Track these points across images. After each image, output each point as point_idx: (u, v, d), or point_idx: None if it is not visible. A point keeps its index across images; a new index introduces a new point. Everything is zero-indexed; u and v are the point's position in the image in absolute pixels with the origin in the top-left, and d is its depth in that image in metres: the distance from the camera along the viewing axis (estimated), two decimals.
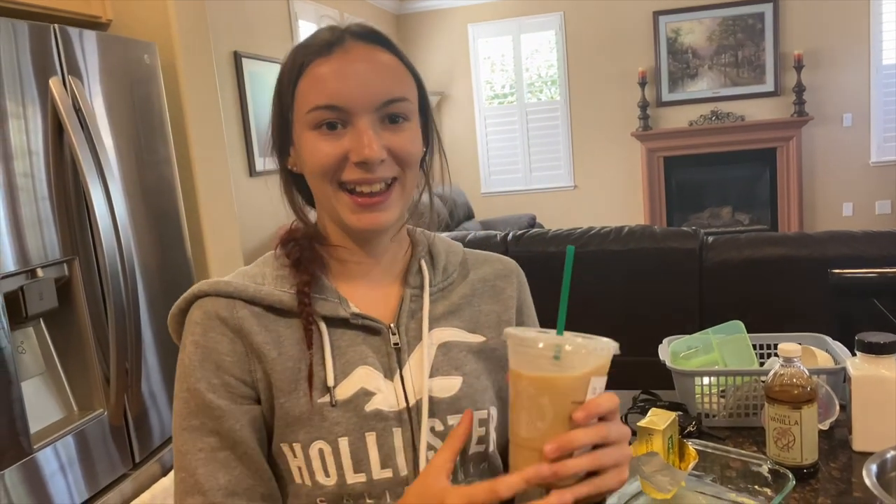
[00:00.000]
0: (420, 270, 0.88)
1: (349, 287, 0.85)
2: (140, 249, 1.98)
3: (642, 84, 6.43)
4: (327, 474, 0.77)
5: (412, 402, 0.80)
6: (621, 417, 1.03)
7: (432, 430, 0.80)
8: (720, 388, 1.33)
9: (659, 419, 1.09)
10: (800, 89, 6.11)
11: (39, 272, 1.66)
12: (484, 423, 0.82)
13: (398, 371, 0.82)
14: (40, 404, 1.70)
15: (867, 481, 0.85)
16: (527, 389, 0.65)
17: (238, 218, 2.60)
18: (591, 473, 0.65)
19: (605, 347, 0.65)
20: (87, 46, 1.88)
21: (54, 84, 1.72)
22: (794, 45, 6.17)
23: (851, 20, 6.09)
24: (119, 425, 1.87)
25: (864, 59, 6.12)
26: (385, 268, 0.87)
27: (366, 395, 0.79)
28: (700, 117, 6.48)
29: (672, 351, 1.43)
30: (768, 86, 6.33)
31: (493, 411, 0.84)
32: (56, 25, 1.78)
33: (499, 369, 0.87)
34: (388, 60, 0.80)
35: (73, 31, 1.83)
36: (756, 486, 1.06)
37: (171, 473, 1.94)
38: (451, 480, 0.72)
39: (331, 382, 0.78)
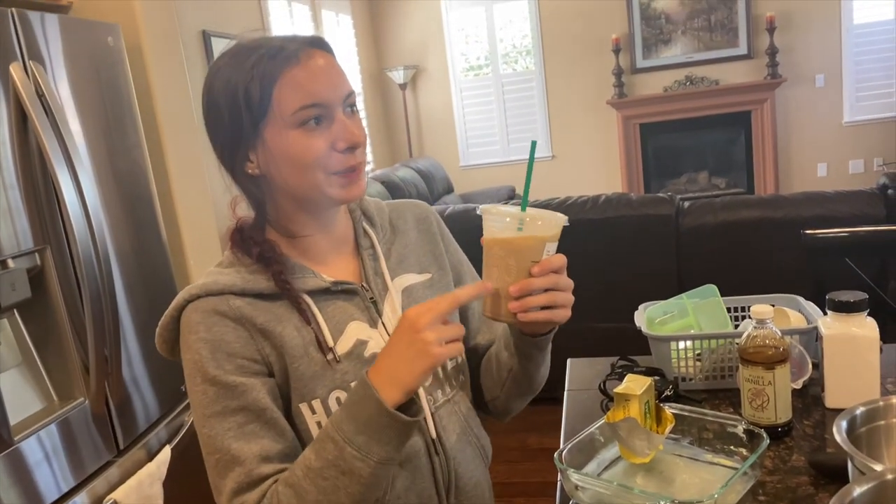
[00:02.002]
0: (366, 233, 1.03)
1: (315, 263, 0.97)
2: (114, 235, 1.96)
3: (616, 51, 6.41)
4: (339, 403, 0.90)
5: None
6: (600, 384, 1.36)
7: None
8: (696, 352, 1.35)
9: (635, 385, 1.11)
10: (772, 51, 6.13)
11: (10, 263, 1.64)
12: None
13: (379, 319, 0.98)
14: (19, 396, 1.69)
15: (837, 437, 0.87)
16: (497, 252, 0.86)
17: (212, 200, 2.57)
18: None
19: (557, 219, 0.87)
20: (49, 30, 1.84)
21: (14, 70, 1.69)
22: (766, 7, 6.17)
23: None
24: (101, 413, 1.86)
25: (835, 18, 6.13)
26: (337, 239, 1.01)
27: (361, 344, 0.95)
28: (674, 83, 6.48)
29: (648, 317, 1.45)
30: (741, 49, 6.33)
31: None
32: (14, 9, 1.73)
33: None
34: (337, 63, 0.93)
35: (34, 15, 1.79)
36: (732, 447, 1.08)
37: (157, 458, 1.94)
38: (438, 394, 0.98)
39: (331, 343, 0.92)
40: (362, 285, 0.99)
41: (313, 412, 0.92)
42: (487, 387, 1.10)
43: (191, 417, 2.23)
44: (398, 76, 6.80)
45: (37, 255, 1.73)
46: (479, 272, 0.94)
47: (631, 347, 1.56)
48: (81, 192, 1.76)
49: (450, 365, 1.01)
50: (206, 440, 0.88)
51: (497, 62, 6.98)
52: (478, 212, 0.88)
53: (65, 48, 1.89)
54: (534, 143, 0.91)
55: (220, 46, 4.38)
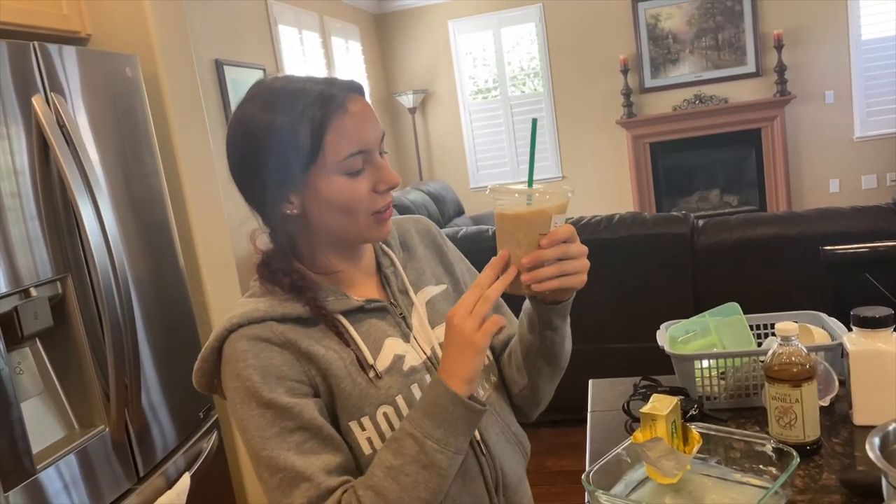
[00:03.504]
0: (385, 253, 1.08)
1: (344, 287, 1.01)
2: (132, 263, 1.97)
3: (624, 71, 6.44)
4: (393, 428, 0.94)
5: (428, 352, 1.01)
6: (623, 404, 1.39)
7: None
8: (720, 371, 1.34)
9: (661, 404, 1.10)
10: (781, 69, 6.14)
11: (33, 291, 1.65)
12: None
13: (410, 333, 1.02)
14: (41, 424, 1.69)
15: (870, 454, 0.86)
16: (507, 228, 0.90)
17: (229, 227, 2.59)
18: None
19: (562, 192, 0.90)
20: (68, 62, 1.87)
21: (37, 102, 1.71)
22: (774, 25, 6.20)
23: None
24: (121, 440, 1.86)
25: (843, 35, 6.15)
26: (363, 265, 1.05)
27: (399, 359, 0.98)
28: (683, 102, 6.50)
29: (670, 336, 1.44)
30: (750, 67, 6.35)
31: None
32: (36, 43, 1.77)
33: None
34: (370, 106, 0.97)
35: (53, 48, 1.82)
36: (761, 466, 1.06)
37: (177, 486, 1.94)
38: (477, 394, 0.97)
39: (371, 361, 0.95)
40: (391, 302, 1.03)
41: (363, 429, 0.94)
42: (513, 378, 1.11)
43: (209, 444, 2.24)
44: (407, 100, 6.85)
45: (58, 283, 1.74)
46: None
47: (649, 368, 1.55)
48: (102, 221, 1.78)
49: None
50: (266, 462, 0.89)
51: (505, 85, 7.03)
52: (487, 192, 0.93)
53: (84, 79, 1.92)
54: (534, 121, 0.97)
55: (232, 75, 4.45)
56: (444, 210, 6.10)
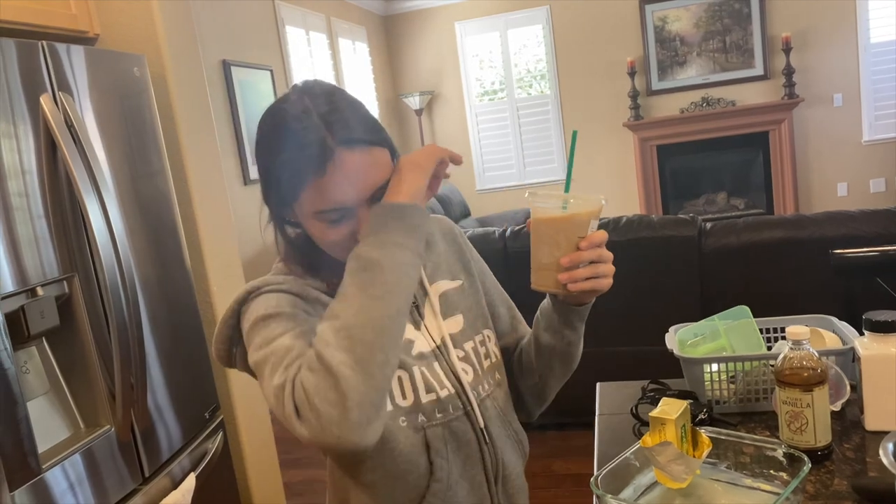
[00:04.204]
0: None
1: None
2: (139, 263, 1.97)
3: (632, 74, 6.43)
4: (404, 397, 0.96)
5: (437, 341, 1.03)
6: (632, 408, 1.38)
7: (459, 357, 1.03)
8: (729, 374, 1.33)
9: (670, 408, 1.09)
10: (789, 71, 6.12)
11: (40, 291, 1.65)
12: (484, 342, 1.08)
13: (421, 321, 1.04)
14: (47, 424, 1.69)
15: (884, 460, 0.85)
16: (546, 230, 0.95)
17: (236, 227, 2.59)
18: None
19: (596, 198, 0.95)
20: (76, 62, 1.87)
21: (45, 101, 1.71)
22: (782, 28, 6.18)
23: (838, 0, 6.10)
24: (127, 441, 1.86)
25: (852, 38, 6.13)
26: None
27: (409, 343, 1.01)
28: (691, 104, 6.49)
29: (679, 339, 1.43)
30: (757, 70, 6.34)
31: (489, 332, 1.10)
32: (44, 42, 1.77)
33: (478, 299, 1.12)
34: (372, 158, 0.92)
35: (62, 47, 1.82)
36: (771, 471, 1.05)
37: (182, 486, 1.93)
38: (480, 390, 1.03)
39: None
40: None
41: None
42: (524, 374, 1.14)
43: (214, 445, 2.23)
44: (414, 102, 6.85)
45: (65, 282, 1.74)
46: (500, 280, 1.10)
47: (655, 371, 1.54)
48: (108, 221, 1.77)
49: (485, 363, 1.06)
50: (263, 359, 0.88)
51: (512, 87, 7.02)
52: (526, 196, 0.98)
53: (92, 79, 1.92)
54: (575, 133, 1.05)
55: (239, 76, 4.47)
56: (451, 212, 6.09)
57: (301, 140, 0.89)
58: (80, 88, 1.87)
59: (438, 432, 0.97)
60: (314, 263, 0.98)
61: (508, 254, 3.19)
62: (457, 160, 0.96)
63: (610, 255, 0.96)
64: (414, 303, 1.04)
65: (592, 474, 1.04)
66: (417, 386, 0.97)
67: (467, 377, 1.02)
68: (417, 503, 0.96)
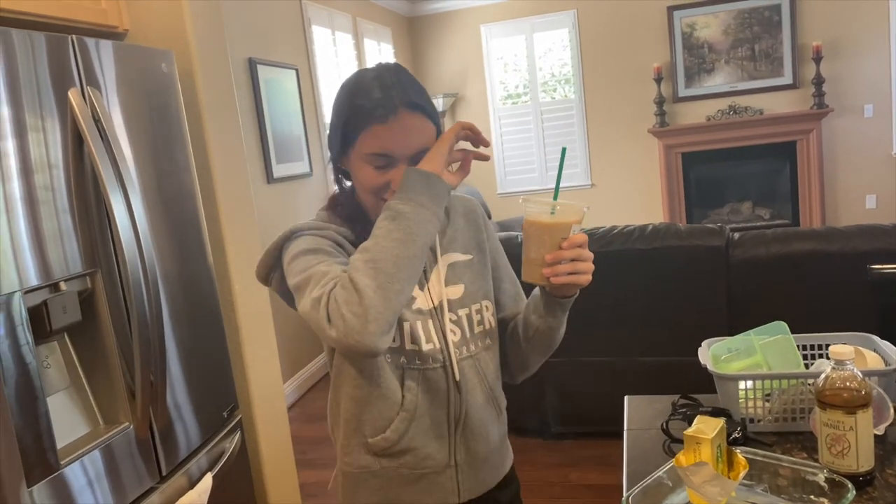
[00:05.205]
0: None
1: None
2: (161, 260, 1.96)
3: (658, 80, 6.37)
4: (393, 340, 1.14)
5: (436, 303, 1.21)
6: (662, 424, 1.39)
7: (451, 320, 1.21)
8: (765, 392, 1.29)
9: (707, 427, 1.05)
10: (819, 81, 6.03)
11: (62, 285, 1.64)
12: (480, 311, 1.24)
13: (426, 283, 1.22)
14: (66, 419, 1.68)
15: None
16: (535, 231, 1.11)
17: (258, 225, 2.57)
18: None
19: (579, 207, 1.11)
20: (104, 56, 1.86)
21: (73, 95, 1.70)
22: (813, 37, 6.09)
23: (871, 9, 6.00)
24: (145, 438, 1.85)
25: (885, 48, 6.02)
26: None
27: (412, 299, 1.18)
28: (717, 112, 6.41)
29: (712, 354, 1.38)
30: (786, 78, 6.25)
31: (487, 303, 1.26)
32: (74, 36, 1.76)
33: (484, 274, 1.28)
34: (422, 124, 1.15)
35: (90, 42, 1.81)
36: (811, 496, 1.01)
37: (199, 485, 1.91)
38: (464, 350, 1.22)
39: None
40: None
41: None
42: (513, 344, 1.30)
43: (232, 444, 2.22)
44: (438, 104, 6.83)
45: (87, 278, 1.73)
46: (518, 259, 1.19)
47: (679, 384, 1.50)
48: (133, 217, 1.76)
49: (477, 329, 1.23)
50: (300, 284, 1.09)
51: (536, 90, 6.98)
52: (520, 201, 1.14)
53: (119, 74, 1.91)
54: (563, 149, 1.18)
55: (265, 74, 4.46)
56: None
57: (374, 93, 1.12)
58: (108, 83, 1.86)
59: (414, 374, 1.17)
60: (352, 215, 1.20)
61: None
62: (476, 134, 1.14)
63: (590, 255, 1.12)
64: (423, 268, 1.17)
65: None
66: (405, 335, 1.17)
67: (454, 337, 1.20)
68: (390, 421, 1.17)
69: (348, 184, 1.24)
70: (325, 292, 1.03)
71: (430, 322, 1.20)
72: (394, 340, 1.15)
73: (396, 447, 1.19)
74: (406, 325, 1.17)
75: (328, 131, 1.23)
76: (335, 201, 1.24)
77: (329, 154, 1.24)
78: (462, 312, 1.22)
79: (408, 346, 1.18)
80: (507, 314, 1.33)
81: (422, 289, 1.21)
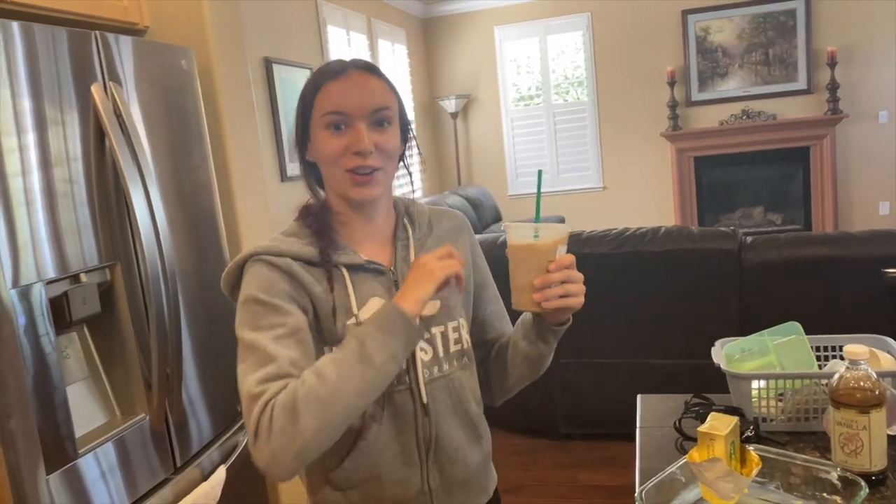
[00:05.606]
0: (405, 228, 1.21)
1: (357, 244, 1.16)
2: (178, 255, 1.98)
3: (671, 83, 6.36)
4: None
5: None
6: (675, 422, 1.38)
7: (422, 338, 1.13)
8: (778, 392, 1.29)
9: (720, 424, 1.06)
10: (833, 86, 6.01)
11: (83, 277, 1.66)
12: (456, 329, 1.17)
13: None
14: (84, 409, 1.70)
15: None
16: (520, 255, 1.07)
17: (274, 221, 2.59)
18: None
19: (562, 227, 1.08)
20: (125, 52, 1.88)
21: (96, 90, 1.73)
22: (828, 42, 6.06)
23: (887, 15, 5.98)
24: (160, 430, 1.87)
25: None
26: (379, 228, 1.19)
27: None
28: (731, 116, 6.39)
29: (726, 353, 1.39)
30: (800, 83, 6.23)
31: (463, 321, 1.19)
32: (97, 32, 1.78)
33: (465, 292, 1.21)
34: (377, 83, 1.12)
35: (112, 37, 1.84)
36: (824, 494, 1.02)
37: (213, 478, 1.93)
38: (435, 370, 1.14)
39: (355, 310, 1.10)
40: (391, 269, 1.16)
41: None
42: (496, 367, 1.27)
43: (245, 438, 2.23)
44: (450, 105, 6.85)
45: (107, 270, 1.75)
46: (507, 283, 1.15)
47: (689, 386, 1.50)
48: (152, 211, 1.78)
49: (453, 348, 1.17)
50: (247, 344, 1.04)
51: (549, 93, 6.99)
52: (501, 228, 1.07)
53: (140, 69, 1.94)
54: (539, 172, 1.14)
55: (281, 73, 4.49)
56: (482, 216, 6.07)
57: (327, 67, 1.12)
58: (128, 79, 1.89)
59: (378, 399, 1.08)
60: (321, 229, 1.13)
61: None
62: (461, 282, 1.05)
63: (579, 276, 1.08)
64: (395, 281, 1.15)
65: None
66: None
67: (425, 356, 1.13)
68: (348, 451, 1.10)
69: (323, 194, 1.19)
70: (265, 399, 0.97)
71: None
72: None
73: (358, 476, 1.11)
74: None
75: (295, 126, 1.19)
76: (307, 211, 1.17)
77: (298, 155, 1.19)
78: (436, 330, 1.15)
79: None
80: (493, 335, 1.29)
81: None
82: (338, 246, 1.13)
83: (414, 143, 1.23)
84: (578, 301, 1.08)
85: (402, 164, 1.21)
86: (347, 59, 1.14)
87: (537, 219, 1.09)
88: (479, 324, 1.26)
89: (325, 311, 1.10)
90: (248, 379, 1.00)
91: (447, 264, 1.03)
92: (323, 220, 1.15)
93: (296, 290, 1.08)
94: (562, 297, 1.06)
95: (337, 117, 1.08)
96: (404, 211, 1.23)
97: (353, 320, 1.09)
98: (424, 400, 1.13)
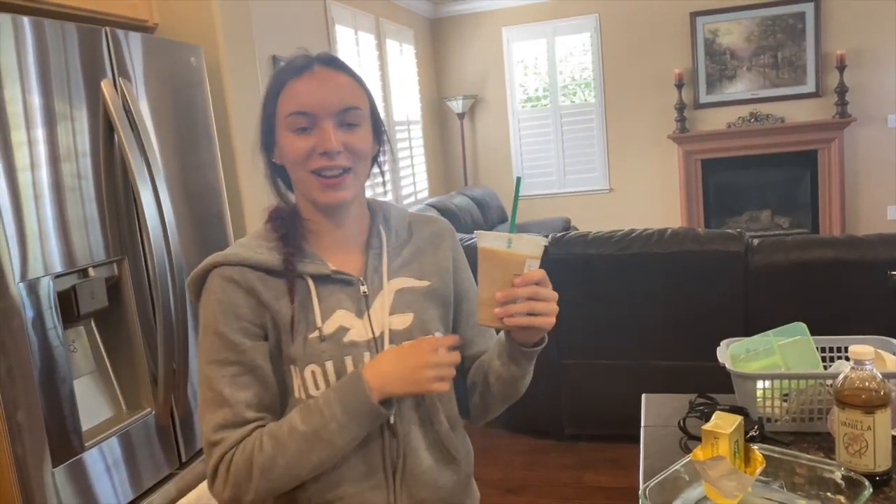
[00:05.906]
0: (379, 234, 1.15)
1: (326, 252, 1.10)
2: (185, 250, 1.99)
3: (679, 86, 6.35)
4: (318, 388, 1.05)
5: (377, 333, 1.08)
6: (679, 421, 1.36)
7: None
8: (783, 392, 1.29)
9: (724, 422, 1.06)
10: (842, 90, 5.98)
11: (91, 272, 1.67)
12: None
13: (366, 311, 1.09)
14: (90, 403, 1.71)
15: None
16: (486, 265, 0.99)
17: None
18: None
19: (537, 241, 0.99)
20: (134, 49, 1.90)
21: (105, 86, 1.74)
22: (837, 45, 6.04)
23: None
24: (166, 425, 1.88)
25: None
26: (350, 235, 1.13)
27: (343, 330, 1.07)
28: (738, 119, 6.37)
29: (731, 354, 1.39)
30: (809, 87, 6.20)
31: (439, 335, 1.11)
32: (107, 28, 1.80)
33: (442, 304, 1.15)
34: (345, 80, 1.07)
35: (121, 34, 1.85)
36: (828, 494, 1.02)
37: None
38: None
39: (319, 323, 1.05)
40: (360, 279, 1.10)
41: (295, 376, 1.06)
42: (475, 386, 1.20)
43: None
44: (457, 105, 6.85)
45: (114, 265, 1.76)
46: None
47: (694, 387, 1.50)
48: (161, 207, 1.80)
49: None
50: (204, 380, 1.04)
51: (556, 94, 6.98)
52: (474, 237, 1.02)
53: (149, 66, 1.95)
54: (518, 179, 1.09)
55: None
56: (488, 216, 6.07)
57: (291, 63, 1.06)
58: (138, 75, 1.90)
59: None
60: (288, 236, 1.08)
61: (550, 258, 3.16)
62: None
63: (551, 295, 0.99)
64: (364, 293, 1.10)
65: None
66: (328, 375, 1.05)
67: None
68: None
69: (293, 199, 1.13)
70: (223, 450, 1.00)
71: (367, 355, 1.06)
72: (317, 388, 1.05)
73: (319, 498, 1.06)
74: (329, 365, 1.04)
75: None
76: (276, 214, 1.12)
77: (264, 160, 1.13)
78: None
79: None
80: (475, 351, 1.20)
81: (360, 317, 1.08)
82: (304, 254, 1.08)
83: (387, 142, 1.16)
84: (547, 321, 0.99)
85: (376, 166, 1.15)
86: (314, 53, 1.09)
87: (512, 228, 1.01)
88: (463, 339, 1.17)
89: (285, 326, 1.05)
90: (207, 420, 1.02)
91: (443, 374, 1.00)
92: (292, 225, 1.09)
93: (255, 310, 1.04)
94: (529, 314, 0.98)
95: (302, 118, 1.03)
96: (381, 216, 1.17)
97: (316, 333, 1.05)
98: (391, 420, 1.07)
